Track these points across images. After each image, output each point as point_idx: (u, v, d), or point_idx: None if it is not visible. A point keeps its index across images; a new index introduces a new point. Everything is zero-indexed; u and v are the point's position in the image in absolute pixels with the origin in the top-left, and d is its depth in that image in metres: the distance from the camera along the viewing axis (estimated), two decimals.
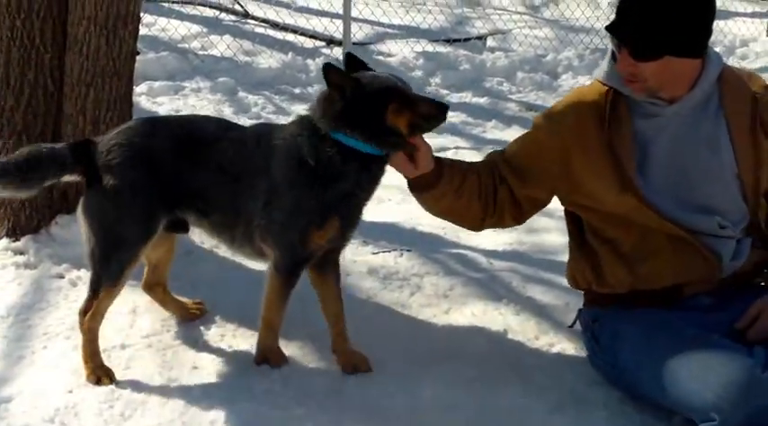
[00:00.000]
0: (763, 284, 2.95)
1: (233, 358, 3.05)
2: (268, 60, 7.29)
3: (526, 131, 3.00)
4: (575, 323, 3.14)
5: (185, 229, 3.04)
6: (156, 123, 3.00)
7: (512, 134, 6.14)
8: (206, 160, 2.86)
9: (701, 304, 2.82)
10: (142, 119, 3.07)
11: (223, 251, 3.82)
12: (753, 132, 2.79)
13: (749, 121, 2.79)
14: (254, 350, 3.05)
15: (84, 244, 2.90)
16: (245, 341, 3.15)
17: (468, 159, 5.40)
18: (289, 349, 3.08)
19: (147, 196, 2.83)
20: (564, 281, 3.53)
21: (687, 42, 2.64)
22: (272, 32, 8.02)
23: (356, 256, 3.86)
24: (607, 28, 2.69)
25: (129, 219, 2.82)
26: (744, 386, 2.41)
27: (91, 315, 2.85)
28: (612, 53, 2.79)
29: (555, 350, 3.19)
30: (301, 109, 6.27)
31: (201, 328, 3.22)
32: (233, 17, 8.44)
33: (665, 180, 2.78)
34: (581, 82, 7.60)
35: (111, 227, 2.82)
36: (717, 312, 2.80)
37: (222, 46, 7.34)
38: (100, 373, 2.84)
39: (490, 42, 8.54)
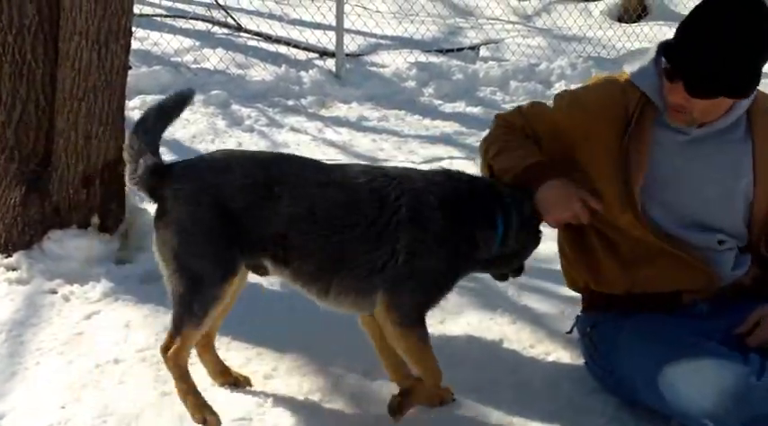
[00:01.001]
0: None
1: None
2: (261, 73, 7.28)
3: (548, 104, 2.98)
4: (572, 329, 3.13)
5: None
6: (233, 159, 2.70)
7: None
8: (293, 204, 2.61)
9: (698, 311, 2.82)
10: (219, 153, 2.79)
11: None
12: None
13: None
14: (249, 363, 3.05)
15: (165, 279, 2.68)
16: (239, 354, 3.13)
17: (462, 169, 5.46)
18: (283, 362, 3.06)
19: (218, 235, 2.59)
20: (559, 290, 3.53)
21: (743, 86, 2.61)
22: (264, 45, 8.02)
23: None
24: (666, 53, 2.63)
25: (204, 258, 2.60)
26: (738, 393, 2.41)
27: (174, 353, 2.66)
28: (656, 63, 2.75)
29: (551, 358, 3.18)
30: (294, 121, 6.33)
31: None
32: (225, 30, 8.44)
33: (676, 196, 2.77)
34: None
35: (187, 265, 2.60)
36: (714, 319, 2.79)
37: (215, 59, 7.34)
38: (204, 412, 2.67)
39: (483, 52, 8.54)
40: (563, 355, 3.18)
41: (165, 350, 2.68)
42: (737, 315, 2.77)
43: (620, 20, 10.31)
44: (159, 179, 2.63)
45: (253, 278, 3.74)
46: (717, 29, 2.52)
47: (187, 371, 2.70)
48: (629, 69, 2.83)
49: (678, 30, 2.63)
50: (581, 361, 3.08)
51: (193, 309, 2.60)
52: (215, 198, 2.59)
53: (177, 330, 2.65)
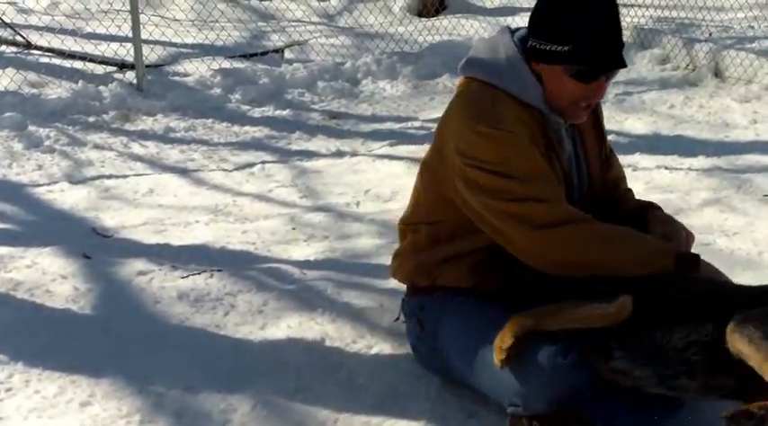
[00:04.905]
0: None
1: (41, 403, 2.88)
2: (57, 90, 6.98)
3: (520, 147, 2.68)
4: (399, 315, 3.11)
5: None
6: None
7: (317, 144, 6.16)
8: None
9: None
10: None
11: (21, 294, 3.64)
12: (596, 129, 2.89)
13: (593, 120, 2.87)
14: (64, 392, 2.92)
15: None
16: (51, 384, 2.98)
17: (275, 173, 5.44)
18: (99, 387, 2.94)
19: None
20: (377, 283, 3.60)
21: None
22: (58, 61, 7.65)
23: (165, 282, 3.74)
24: (572, 60, 2.58)
25: None
26: (545, 373, 2.49)
27: None
28: (522, 71, 2.69)
29: (374, 351, 3.21)
30: (97, 138, 6.09)
31: (2, 376, 3.02)
32: (14, 49, 8.04)
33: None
34: (381, 86, 7.72)
35: None
36: None
37: (5, 80, 6.96)
38: None
39: (288, 54, 8.53)
40: (385, 347, 3.21)
41: None
42: None
43: (420, 14, 10.58)
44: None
45: (58, 300, 3.59)
46: (601, 6, 2.60)
47: None
48: (514, 88, 2.68)
49: (570, 32, 2.56)
50: (403, 351, 3.12)
51: None
52: None
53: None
